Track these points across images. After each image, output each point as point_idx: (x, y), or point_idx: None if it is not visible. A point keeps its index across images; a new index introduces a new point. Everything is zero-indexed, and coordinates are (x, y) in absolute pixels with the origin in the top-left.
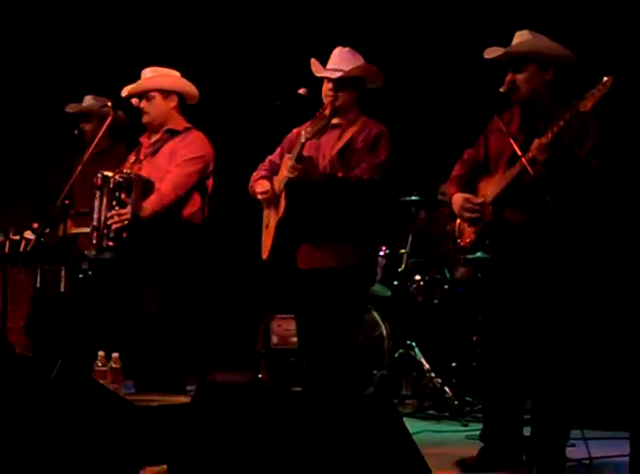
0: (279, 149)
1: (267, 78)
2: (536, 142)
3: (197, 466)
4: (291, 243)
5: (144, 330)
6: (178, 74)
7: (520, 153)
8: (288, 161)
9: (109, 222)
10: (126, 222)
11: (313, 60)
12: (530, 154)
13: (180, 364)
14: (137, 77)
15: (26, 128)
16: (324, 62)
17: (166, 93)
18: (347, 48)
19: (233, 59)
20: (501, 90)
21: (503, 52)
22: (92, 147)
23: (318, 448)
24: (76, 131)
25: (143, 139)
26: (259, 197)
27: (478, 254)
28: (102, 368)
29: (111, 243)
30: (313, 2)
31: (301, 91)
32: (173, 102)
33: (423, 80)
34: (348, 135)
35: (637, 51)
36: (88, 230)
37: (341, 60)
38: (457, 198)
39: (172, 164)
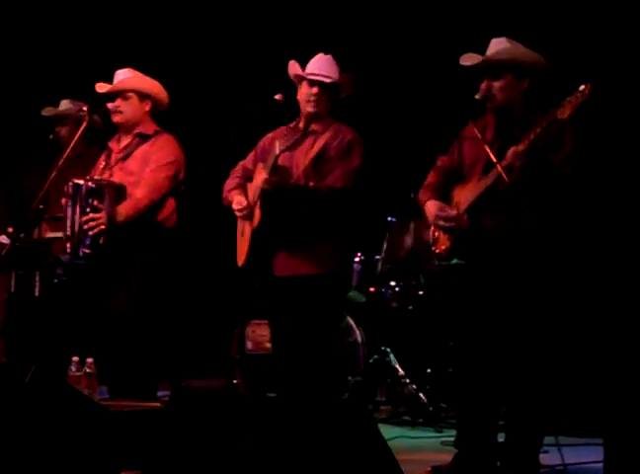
0: (252, 154)
1: (241, 82)
2: (513, 149)
3: (171, 472)
4: (267, 250)
5: (117, 333)
6: (151, 79)
7: (495, 160)
8: (262, 172)
9: (85, 227)
10: (102, 227)
11: (293, 62)
12: (506, 162)
13: (151, 370)
14: (110, 79)
15: (1, 132)
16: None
17: (142, 96)
18: (329, 55)
19: (208, 63)
20: (476, 97)
21: (480, 60)
22: (67, 152)
23: (293, 455)
24: (51, 136)
25: (112, 144)
26: (236, 213)
27: (454, 261)
28: (76, 373)
29: (87, 250)
30: (288, 7)
31: (277, 97)
32: (147, 106)
33: (395, 86)
34: (321, 142)
35: (613, 58)
36: (61, 235)
37: (324, 66)
38: (431, 206)
39: (145, 169)
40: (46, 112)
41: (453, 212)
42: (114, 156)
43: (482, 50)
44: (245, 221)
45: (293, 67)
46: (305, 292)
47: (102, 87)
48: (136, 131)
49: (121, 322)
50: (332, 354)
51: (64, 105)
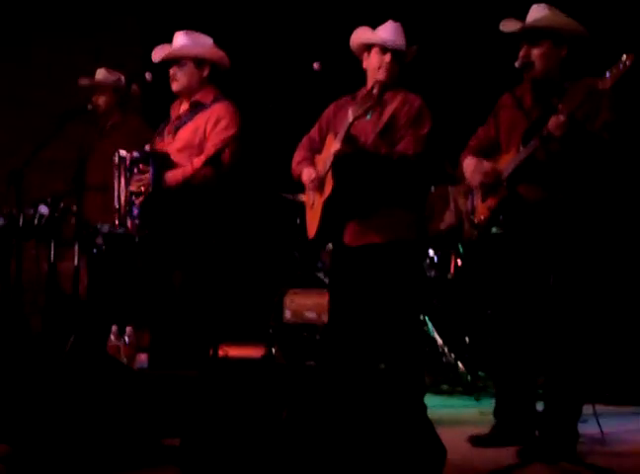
0: (317, 125)
1: (280, 52)
2: (553, 119)
3: (210, 440)
4: (338, 220)
5: (171, 305)
6: (211, 41)
7: (534, 130)
8: (334, 142)
9: (131, 188)
10: (144, 189)
11: (364, 28)
12: (546, 131)
13: (197, 339)
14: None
15: (38, 100)
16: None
17: (199, 62)
18: (398, 23)
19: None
20: (515, 65)
21: (520, 27)
22: (104, 122)
23: (332, 425)
24: (89, 106)
25: (173, 110)
26: (306, 184)
27: (493, 229)
28: (116, 343)
29: (137, 221)
30: None
31: (315, 65)
32: (205, 71)
33: (435, 54)
34: (390, 110)
35: None
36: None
37: (395, 34)
38: (470, 162)
39: (196, 139)
40: (83, 81)
41: (492, 165)
42: (170, 124)
43: (522, 17)
44: (315, 193)
45: (363, 34)
46: (381, 262)
47: (157, 54)
48: (194, 99)
49: (178, 294)
50: (419, 325)
51: (101, 74)
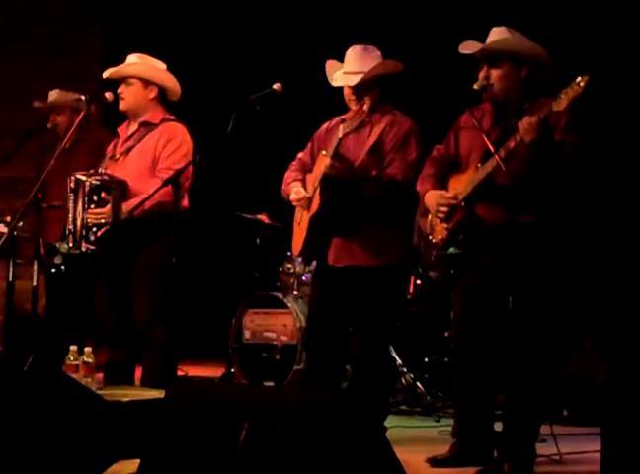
0: (309, 146)
1: (241, 72)
2: (526, 120)
3: (170, 459)
4: (324, 237)
5: (136, 330)
6: (164, 66)
7: (493, 150)
8: (325, 158)
9: (88, 220)
10: (104, 221)
11: (329, 62)
12: (503, 152)
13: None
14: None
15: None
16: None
17: (146, 82)
18: (360, 47)
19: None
20: (475, 86)
21: (480, 49)
22: (64, 141)
23: (290, 445)
24: (49, 125)
25: (121, 131)
26: (294, 203)
27: (451, 250)
28: (74, 363)
29: (91, 246)
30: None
31: (275, 86)
32: (152, 93)
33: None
34: (377, 132)
35: (611, 49)
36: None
37: (356, 61)
38: (431, 196)
39: (148, 161)
40: (37, 104)
41: (451, 193)
42: (119, 147)
43: (482, 39)
44: (303, 211)
45: (328, 68)
46: (361, 285)
47: (107, 72)
48: (142, 120)
49: (136, 314)
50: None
51: (55, 94)
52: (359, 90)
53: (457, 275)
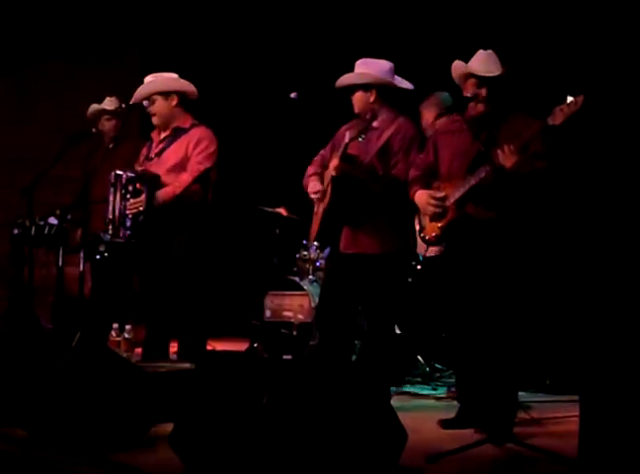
0: (330, 144)
1: (261, 79)
2: (505, 149)
3: (200, 423)
4: (335, 226)
5: (165, 305)
6: (175, 76)
7: (489, 153)
8: (335, 159)
9: (127, 211)
10: (141, 209)
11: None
12: (497, 160)
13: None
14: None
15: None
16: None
17: (165, 94)
18: (362, 60)
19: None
20: (468, 94)
21: (466, 72)
22: (108, 143)
23: (305, 410)
24: (94, 129)
25: (154, 135)
26: (311, 195)
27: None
28: (116, 339)
29: (128, 232)
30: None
31: (292, 95)
32: (174, 101)
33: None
34: (385, 136)
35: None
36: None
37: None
38: (421, 195)
39: (183, 159)
40: (93, 108)
41: (441, 194)
42: (153, 148)
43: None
44: (319, 203)
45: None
46: (368, 269)
47: (133, 98)
48: (174, 126)
49: (170, 296)
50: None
51: (111, 102)
52: (359, 94)
53: (448, 267)
